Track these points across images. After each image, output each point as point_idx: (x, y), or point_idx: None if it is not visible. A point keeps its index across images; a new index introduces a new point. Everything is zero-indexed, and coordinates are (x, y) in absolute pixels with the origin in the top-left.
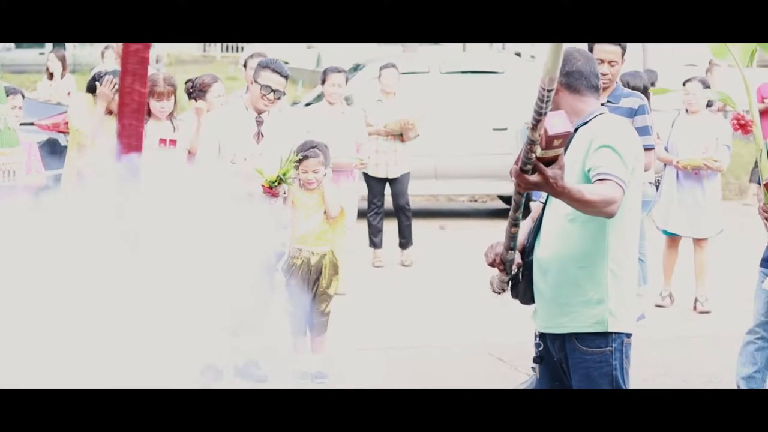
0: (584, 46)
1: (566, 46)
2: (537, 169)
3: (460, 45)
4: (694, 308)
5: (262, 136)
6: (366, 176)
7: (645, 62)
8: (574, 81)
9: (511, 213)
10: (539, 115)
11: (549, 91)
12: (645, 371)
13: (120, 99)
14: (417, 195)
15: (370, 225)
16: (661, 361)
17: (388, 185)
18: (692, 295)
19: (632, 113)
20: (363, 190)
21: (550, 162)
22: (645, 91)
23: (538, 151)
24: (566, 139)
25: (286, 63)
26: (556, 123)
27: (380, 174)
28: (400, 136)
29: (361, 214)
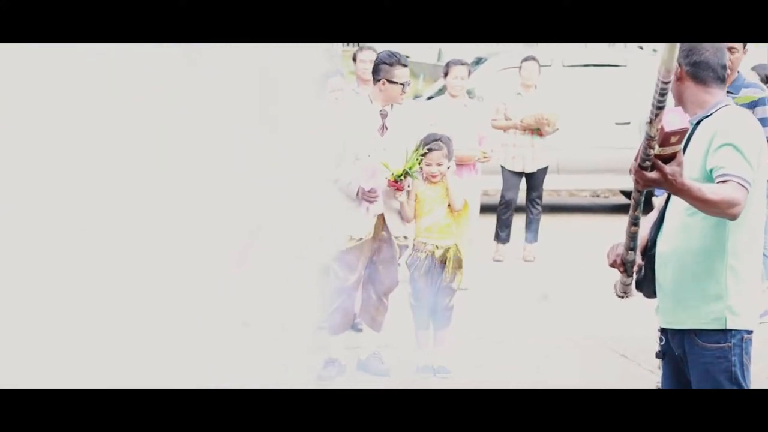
0: None
1: None
2: (655, 166)
3: None
4: None
5: (387, 129)
6: (502, 169)
7: None
8: (701, 72)
9: (630, 212)
10: (657, 109)
11: (666, 83)
12: None
13: None
14: None
15: (498, 219)
16: None
17: (523, 180)
18: None
19: (752, 104)
20: (485, 184)
21: (668, 159)
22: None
23: (656, 148)
24: (683, 135)
25: (408, 57)
26: (672, 120)
27: (517, 168)
28: (538, 131)
29: (489, 209)
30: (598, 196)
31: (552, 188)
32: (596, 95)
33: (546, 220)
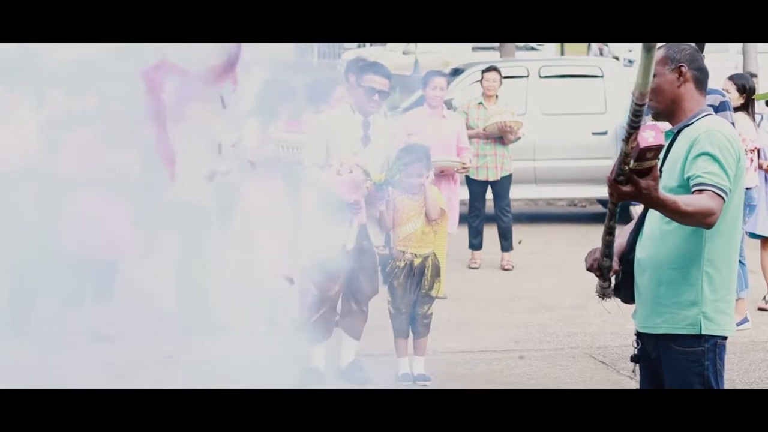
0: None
1: (684, 45)
2: (630, 180)
3: (557, 50)
4: None
5: (369, 139)
6: (467, 179)
7: (745, 65)
8: (703, 78)
9: (606, 221)
10: (632, 129)
11: (640, 105)
12: (749, 375)
13: None
14: (516, 199)
15: (470, 227)
16: (766, 365)
17: (489, 189)
18: None
19: (713, 110)
20: (464, 194)
21: (644, 173)
22: (745, 90)
23: (632, 163)
24: (659, 151)
25: None
26: (648, 136)
27: (481, 177)
28: (501, 139)
29: (463, 219)
30: (575, 205)
31: (529, 197)
32: (573, 106)
33: (524, 229)
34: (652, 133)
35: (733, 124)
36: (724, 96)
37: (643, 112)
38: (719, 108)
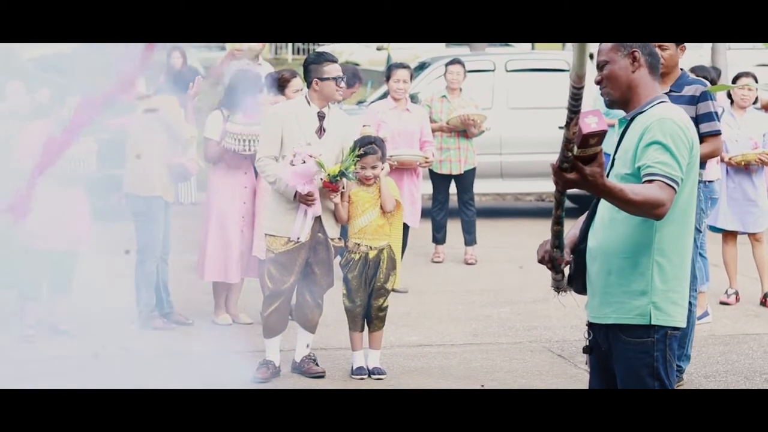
0: None
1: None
2: (575, 167)
3: (528, 44)
4: (764, 303)
5: (324, 131)
6: (431, 173)
7: (713, 61)
8: (655, 62)
9: (553, 211)
10: (572, 113)
11: (578, 88)
12: (707, 368)
13: None
14: (483, 194)
15: (433, 221)
16: (723, 358)
17: (453, 182)
18: (757, 294)
19: (694, 101)
20: (428, 188)
21: (589, 160)
22: (711, 83)
23: (575, 150)
24: (602, 137)
25: (357, 65)
26: (591, 122)
27: (444, 171)
28: (465, 133)
29: (426, 213)
30: (542, 200)
31: (496, 192)
32: (540, 100)
33: (488, 224)
34: (594, 118)
35: (716, 113)
36: (705, 86)
37: (581, 96)
38: (700, 98)
